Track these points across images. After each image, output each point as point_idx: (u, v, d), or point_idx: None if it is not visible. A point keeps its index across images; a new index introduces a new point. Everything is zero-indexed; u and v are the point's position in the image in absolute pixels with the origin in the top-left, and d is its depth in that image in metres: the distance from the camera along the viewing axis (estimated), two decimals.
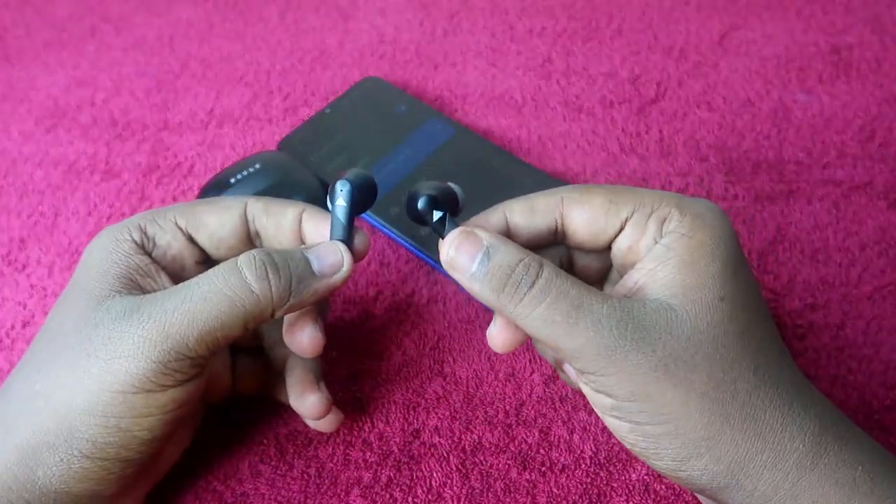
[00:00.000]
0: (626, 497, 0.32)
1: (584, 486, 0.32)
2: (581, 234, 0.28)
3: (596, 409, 0.26)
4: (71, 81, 0.51)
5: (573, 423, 0.34)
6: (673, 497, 0.31)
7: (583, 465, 0.32)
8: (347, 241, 0.29)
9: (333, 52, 0.52)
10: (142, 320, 0.25)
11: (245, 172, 0.40)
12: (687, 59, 0.50)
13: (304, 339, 0.29)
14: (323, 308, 0.32)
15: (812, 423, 0.24)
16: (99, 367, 0.25)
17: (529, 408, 0.34)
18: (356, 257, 0.29)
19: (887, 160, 0.44)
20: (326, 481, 0.32)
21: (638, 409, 0.24)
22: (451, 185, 0.29)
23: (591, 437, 0.33)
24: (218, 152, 0.46)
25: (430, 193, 0.28)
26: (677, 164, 0.44)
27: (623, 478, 0.32)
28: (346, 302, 0.38)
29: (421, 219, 0.28)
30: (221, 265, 0.27)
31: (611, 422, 0.26)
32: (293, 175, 0.41)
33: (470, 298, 0.38)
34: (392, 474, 0.32)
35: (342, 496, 0.32)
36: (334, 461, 0.33)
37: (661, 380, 0.24)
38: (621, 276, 0.28)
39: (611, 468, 0.32)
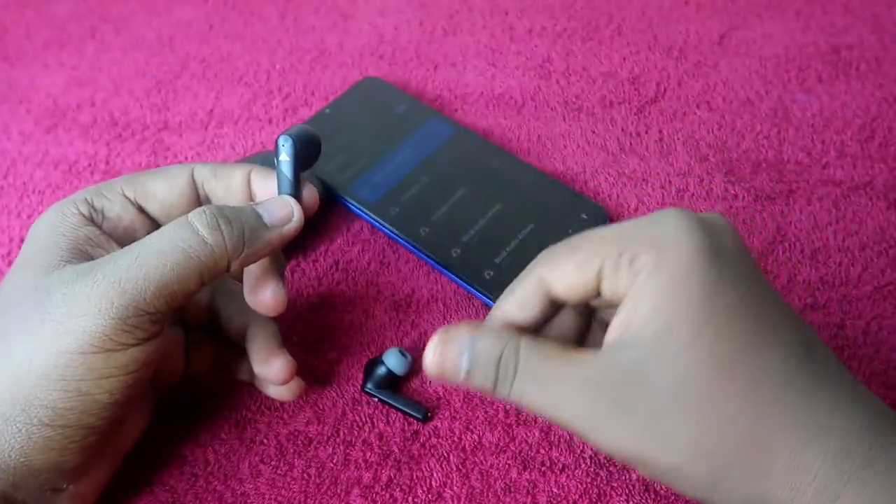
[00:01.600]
0: (626, 497, 0.32)
1: (584, 486, 0.32)
2: (570, 299, 0.26)
3: None
4: (71, 81, 0.51)
5: None
6: (673, 497, 0.31)
7: (583, 465, 0.32)
8: (295, 195, 0.30)
9: (333, 52, 0.52)
10: (96, 279, 0.25)
11: None
12: (687, 59, 0.50)
13: (267, 295, 0.29)
14: (280, 265, 0.32)
15: (835, 441, 0.22)
16: (55, 329, 0.25)
17: None
18: (306, 212, 0.29)
19: (887, 160, 0.44)
20: (326, 481, 0.32)
21: (636, 465, 0.24)
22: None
23: None
24: (218, 152, 0.46)
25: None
26: (677, 164, 0.44)
27: (623, 478, 0.32)
28: (345, 302, 0.38)
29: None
30: (172, 222, 0.27)
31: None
32: None
33: (470, 298, 0.38)
34: (392, 474, 0.32)
35: (342, 496, 0.32)
36: (334, 461, 0.33)
37: (651, 441, 0.23)
38: None
39: (611, 468, 0.32)
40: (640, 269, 0.23)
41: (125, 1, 0.57)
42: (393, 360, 0.34)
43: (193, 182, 0.30)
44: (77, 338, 0.25)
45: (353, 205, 0.41)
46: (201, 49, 0.53)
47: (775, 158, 0.44)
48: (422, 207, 0.40)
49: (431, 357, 0.26)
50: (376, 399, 0.34)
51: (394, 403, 0.34)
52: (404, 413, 0.34)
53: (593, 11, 0.54)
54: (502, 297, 0.27)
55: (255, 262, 0.29)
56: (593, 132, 0.46)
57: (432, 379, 0.26)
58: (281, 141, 0.30)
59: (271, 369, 0.31)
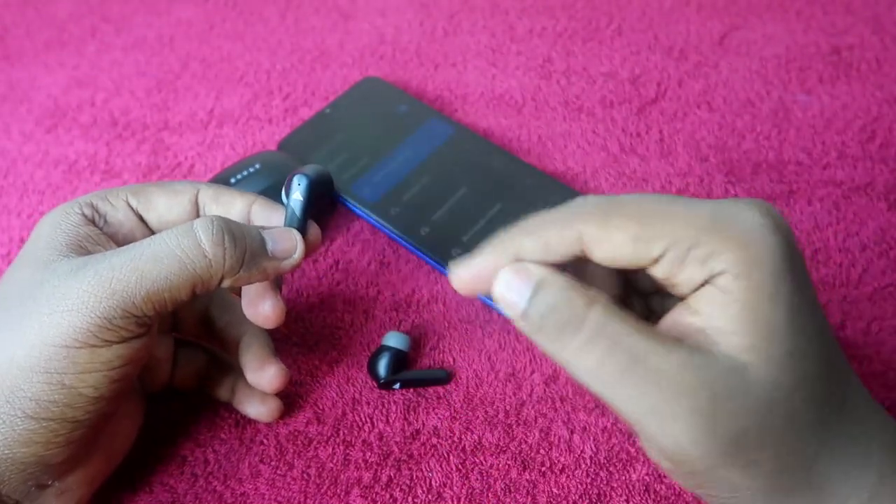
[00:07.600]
0: (626, 497, 0.32)
1: (584, 486, 0.32)
2: (605, 263, 0.23)
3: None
4: (71, 81, 0.51)
5: (573, 423, 0.34)
6: (673, 497, 0.31)
7: (583, 465, 0.32)
8: (302, 232, 0.30)
9: (333, 52, 0.52)
10: (87, 275, 0.25)
11: (245, 172, 0.40)
12: (687, 60, 0.50)
13: (266, 308, 0.30)
14: (279, 281, 0.33)
15: (869, 474, 0.22)
16: (41, 322, 0.25)
17: (529, 408, 0.34)
18: (308, 249, 0.30)
19: (887, 161, 0.44)
20: (326, 481, 0.32)
21: (702, 483, 0.22)
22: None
23: (591, 437, 0.33)
24: (218, 152, 0.46)
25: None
26: (677, 165, 0.44)
27: (623, 478, 0.32)
28: (345, 302, 0.38)
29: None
30: (176, 227, 0.27)
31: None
32: None
33: (471, 298, 0.38)
34: (392, 474, 0.32)
35: (342, 496, 0.32)
36: (334, 461, 0.33)
37: (730, 463, 0.21)
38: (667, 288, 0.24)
39: (611, 468, 0.32)
40: (717, 269, 0.21)
41: (125, 1, 0.57)
42: (394, 340, 0.35)
43: (196, 202, 0.31)
44: (61, 331, 0.25)
45: (353, 205, 0.41)
46: (201, 49, 0.53)
47: (776, 159, 0.44)
48: (422, 207, 0.40)
49: (498, 288, 0.23)
50: (397, 387, 0.35)
51: (417, 377, 0.35)
52: (429, 383, 0.35)
53: (593, 11, 0.54)
54: (520, 232, 0.24)
55: (244, 285, 0.29)
56: (593, 132, 0.46)
57: (498, 302, 0.24)
58: (297, 180, 0.30)
59: (265, 376, 0.31)
